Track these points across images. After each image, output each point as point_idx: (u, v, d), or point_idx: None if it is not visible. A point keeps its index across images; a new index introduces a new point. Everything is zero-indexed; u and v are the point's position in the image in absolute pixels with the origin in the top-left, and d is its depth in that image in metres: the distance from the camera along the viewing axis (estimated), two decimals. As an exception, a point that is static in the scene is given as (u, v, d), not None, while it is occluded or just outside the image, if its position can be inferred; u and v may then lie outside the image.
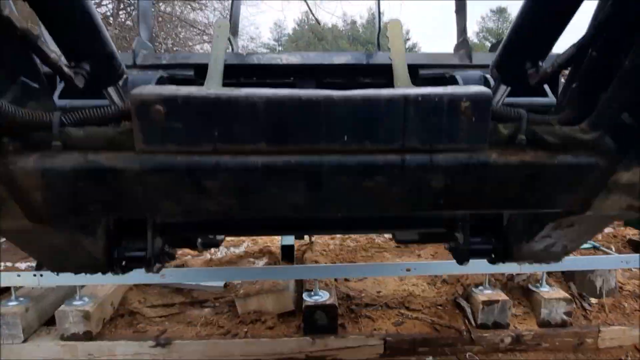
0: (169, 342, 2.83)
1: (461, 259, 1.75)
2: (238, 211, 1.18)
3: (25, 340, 2.79)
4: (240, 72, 1.61)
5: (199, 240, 1.87)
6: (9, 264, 3.51)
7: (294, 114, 1.06)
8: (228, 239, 3.87)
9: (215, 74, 1.30)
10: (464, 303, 3.12)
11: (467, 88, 1.06)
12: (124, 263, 1.65)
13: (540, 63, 1.24)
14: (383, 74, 1.53)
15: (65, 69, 1.11)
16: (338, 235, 3.93)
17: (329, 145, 1.09)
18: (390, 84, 1.32)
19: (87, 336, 2.80)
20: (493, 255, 1.75)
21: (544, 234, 1.49)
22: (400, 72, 1.33)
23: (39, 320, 2.94)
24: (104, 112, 1.09)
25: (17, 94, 1.08)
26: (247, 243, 3.85)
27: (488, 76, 1.48)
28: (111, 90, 1.25)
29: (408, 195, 1.17)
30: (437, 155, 1.12)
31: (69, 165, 1.07)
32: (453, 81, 1.52)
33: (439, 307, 3.15)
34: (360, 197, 1.17)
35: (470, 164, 1.12)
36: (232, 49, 1.80)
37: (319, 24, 16.62)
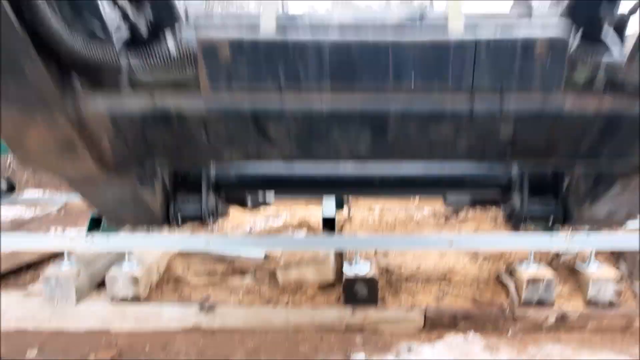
0: (213, 308, 2.90)
1: (517, 223, 1.70)
2: (299, 157, 1.18)
3: (78, 302, 2.91)
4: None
5: (250, 198, 1.89)
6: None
7: (360, 59, 1.04)
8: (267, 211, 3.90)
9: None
10: (507, 279, 3.05)
11: (543, 29, 1.01)
12: (179, 217, 1.69)
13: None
14: None
15: (131, 14, 1.12)
16: (376, 210, 3.91)
17: (396, 94, 1.07)
18: None
19: (136, 299, 2.90)
20: (551, 220, 1.69)
21: (610, 195, 1.43)
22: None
23: (89, 284, 3.06)
24: (169, 55, 1.09)
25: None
26: (285, 215, 3.88)
27: None
28: (168, 34, 1.24)
29: (476, 142, 1.14)
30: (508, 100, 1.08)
31: (137, 109, 1.08)
32: None
33: (481, 283, 3.10)
34: (425, 145, 1.15)
35: (544, 110, 1.08)
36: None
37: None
